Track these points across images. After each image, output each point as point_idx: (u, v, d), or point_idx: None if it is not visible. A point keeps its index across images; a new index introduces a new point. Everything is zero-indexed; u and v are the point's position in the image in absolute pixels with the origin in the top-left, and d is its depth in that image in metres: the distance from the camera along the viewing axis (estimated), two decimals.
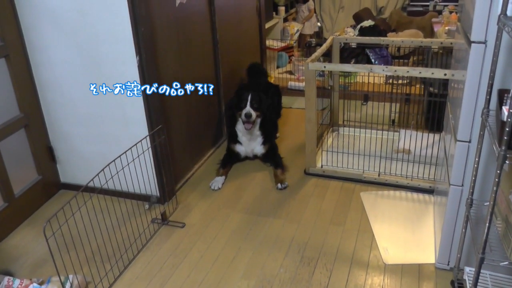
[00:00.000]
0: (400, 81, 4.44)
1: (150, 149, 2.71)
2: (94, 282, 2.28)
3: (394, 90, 4.37)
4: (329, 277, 2.28)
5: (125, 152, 2.41)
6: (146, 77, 2.61)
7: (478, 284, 1.70)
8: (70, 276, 2.18)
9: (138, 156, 2.56)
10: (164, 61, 2.82)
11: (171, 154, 2.92)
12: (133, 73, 2.61)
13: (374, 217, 2.73)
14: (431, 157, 3.05)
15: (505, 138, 1.39)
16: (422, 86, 4.05)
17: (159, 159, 2.80)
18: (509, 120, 1.36)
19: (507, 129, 1.37)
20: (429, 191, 2.94)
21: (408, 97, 4.02)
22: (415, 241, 2.51)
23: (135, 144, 2.51)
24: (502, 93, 1.67)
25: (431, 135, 3.20)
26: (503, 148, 1.41)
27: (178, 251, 2.53)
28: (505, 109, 1.47)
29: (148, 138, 2.66)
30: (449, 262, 2.25)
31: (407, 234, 2.57)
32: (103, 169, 2.23)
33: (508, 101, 1.50)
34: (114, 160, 2.32)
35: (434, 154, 3.02)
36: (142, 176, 2.78)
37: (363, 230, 2.62)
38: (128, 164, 2.47)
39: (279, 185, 3.09)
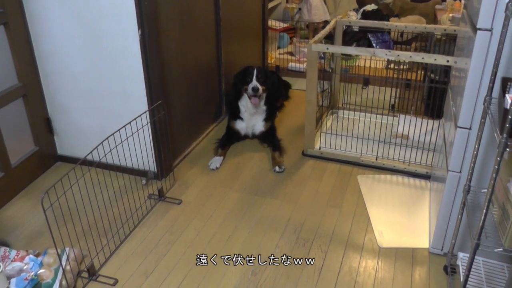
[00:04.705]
0: (401, 67, 4.42)
1: (149, 124, 2.70)
2: (90, 255, 2.30)
3: (395, 75, 4.36)
4: (324, 259, 2.29)
5: (124, 126, 2.40)
6: (148, 52, 2.59)
7: (471, 269, 1.73)
8: (67, 249, 2.19)
9: (138, 131, 2.54)
10: (166, 37, 2.79)
11: (170, 130, 2.91)
12: (135, 47, 2.59)
13: (370, 201, 2.74)
14: (429, 143, 3.06)
15: (507, 125, 1.39)
16: (423, 72, 4.04)
17: (158, 135, 2.80)
18: None
19: (510, 116, 1.37)
20: (426, 177, 2.96)
21: (408, 82, 4.01)
22: (410, 226, 2.53)
23: (135, 119, 2.49)
24: (505, 82, 1.67)
25: (429, 121, 3.20)
26: (505, 135, 1.41)
27: (174, 228, 2.53)
28: (508, 97, 1.47)
29: (147, 113, 2.64)
30: (443, 247, 2.27)
31: (402, 219, 2.59)
32: (102, 142, 2.22)
33: None
34: (113, 134, 2.31)
35: (432, 140, 3.03)
36: (141, 151, 2.78)
37: (359, 213, 2.64)
38: (126, 138, 2.46)
39: (276, 168, 3.08)
